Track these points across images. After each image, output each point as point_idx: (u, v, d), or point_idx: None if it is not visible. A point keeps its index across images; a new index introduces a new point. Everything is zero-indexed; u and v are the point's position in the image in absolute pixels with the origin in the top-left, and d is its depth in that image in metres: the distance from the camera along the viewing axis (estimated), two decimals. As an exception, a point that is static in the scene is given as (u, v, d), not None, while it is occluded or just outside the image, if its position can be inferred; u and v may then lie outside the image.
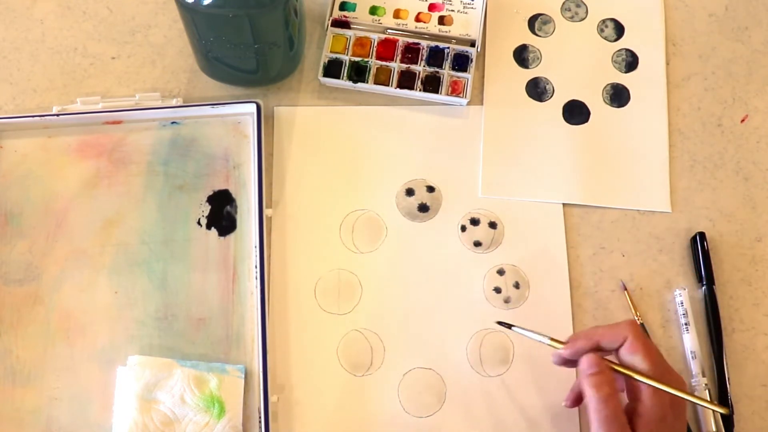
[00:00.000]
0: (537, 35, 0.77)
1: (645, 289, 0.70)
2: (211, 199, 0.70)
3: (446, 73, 0.73)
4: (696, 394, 0.66)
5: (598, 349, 0.57)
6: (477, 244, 0.70)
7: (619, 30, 0.77)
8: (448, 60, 0.74)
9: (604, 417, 0.54)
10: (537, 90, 0.75)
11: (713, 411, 0.65)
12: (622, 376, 0.56)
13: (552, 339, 0.59)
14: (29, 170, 0.70)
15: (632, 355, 0.55)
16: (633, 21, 0.77)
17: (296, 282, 0.69)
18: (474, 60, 0.74)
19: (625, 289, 0.69)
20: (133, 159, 0.71)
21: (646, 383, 0.55)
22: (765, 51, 0.77)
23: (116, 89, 0.74)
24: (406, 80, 0.73)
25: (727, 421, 0.65)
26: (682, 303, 0.68)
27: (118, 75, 0.74)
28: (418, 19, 0.75)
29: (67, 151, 0.71)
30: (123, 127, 0.72)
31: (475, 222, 0.71)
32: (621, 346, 0.56)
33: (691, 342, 0.67)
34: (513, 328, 0.62)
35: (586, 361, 0.56)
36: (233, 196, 0.70)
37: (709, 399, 0.65)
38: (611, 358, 0.57)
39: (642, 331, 0.57)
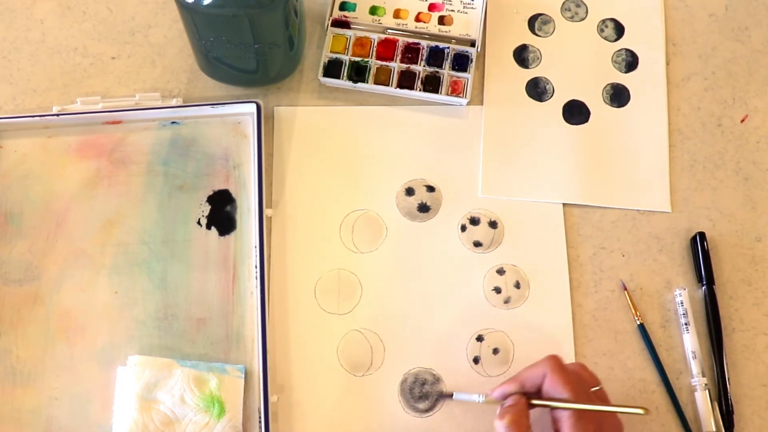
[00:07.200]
0: (537, 35, 0.77)
1: (645, 289, 0.70)
2: (211, 199, 0.70)
3: (446, 73, 0.73)
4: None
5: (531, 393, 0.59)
6: (477, 244, 0.70)
7: (619, 30, 0.77)
8: (448, 60, 0.74)
9: None
10: (537, 90, 0.75)
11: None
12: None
13: (486, 397, 0.61)
14: (29, 170, 0.70)
15: (553, 389, 0.57)
16: (633, 21, 0.77)
17: (296, 282, 0.69)
18: (474, 60, 0.74)
19: (625, 289, 0.69)
20: (133, 159, 0.71)
21: (564, 408, 0.56)
22: (765, 51, 0.77)
23: (116, 89, 0.74)
24: (406, 80, 0.73)
25: (727, 421, 0.65)
26: (682, 303, 0.68)
27: (118, 75, 0.74)
28: (418, 19, 0.75)
29: (67, 151, 0.71)
30: (123, 127, 0.72)
31: (475, 222, 0.71)
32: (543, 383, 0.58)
33: (691, 342, 0.67)
34: (454, 396, 0.64)
35: (507, 400, 0.59)
36: (233, 196, 0.70)
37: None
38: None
39: (561, 364, 0.58)
